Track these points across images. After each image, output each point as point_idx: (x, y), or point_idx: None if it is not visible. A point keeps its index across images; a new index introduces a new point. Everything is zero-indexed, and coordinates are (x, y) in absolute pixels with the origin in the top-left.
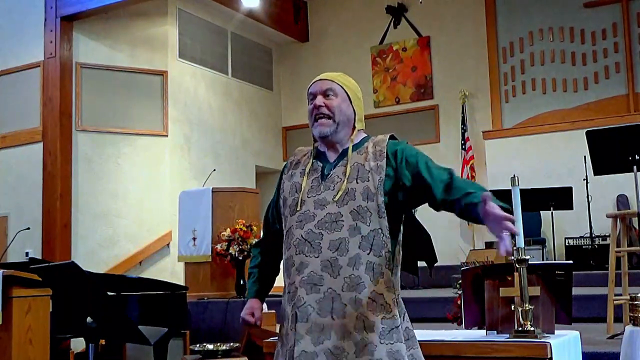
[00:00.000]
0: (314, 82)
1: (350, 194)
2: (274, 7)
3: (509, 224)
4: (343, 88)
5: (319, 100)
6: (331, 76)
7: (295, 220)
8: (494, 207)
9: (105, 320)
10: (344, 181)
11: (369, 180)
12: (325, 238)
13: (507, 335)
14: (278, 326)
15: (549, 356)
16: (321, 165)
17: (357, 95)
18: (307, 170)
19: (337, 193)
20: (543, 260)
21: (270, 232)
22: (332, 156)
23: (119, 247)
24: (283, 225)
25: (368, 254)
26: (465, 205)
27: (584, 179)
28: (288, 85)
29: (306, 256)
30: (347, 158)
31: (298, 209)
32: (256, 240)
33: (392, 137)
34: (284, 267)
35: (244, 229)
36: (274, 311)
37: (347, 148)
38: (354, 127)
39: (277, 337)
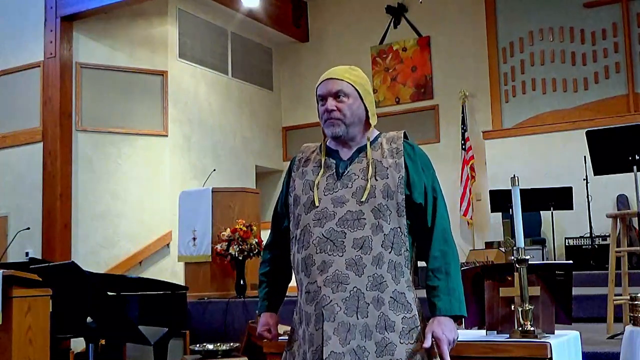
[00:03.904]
0: (323, 81)
1: (370, 192)
2: (274, 7)
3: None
4: (353, 86)
5: (330, 104)
6: (339, 74)
7: (312, 218)
8: (441, 344)
9: (105, 320)
10: (364, 178)
11: (388, 178)
12: (349, 236)
13: (507, 335)
14: (279, 327)
15: (549, 356)
16: (334, 162)
17: (367, 90)
18: (320, 167)
19: (364, 193)
20: (543, 260)
21: (280, 230)
22: (345, 153)
23: (119, 247)
24: (292, 223)
25: (390, 252)
26: (428, 287)
27: (584, 179)
28: (288, 85)
29: (329, 255)
30: (367, 156)
31: (314, 207)
32: (257, 241)
33: (405, 136)
34: (300, 266)
35: (244, 229)
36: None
37: (364, 145)
38: (368, 124)
39: (286, 337)
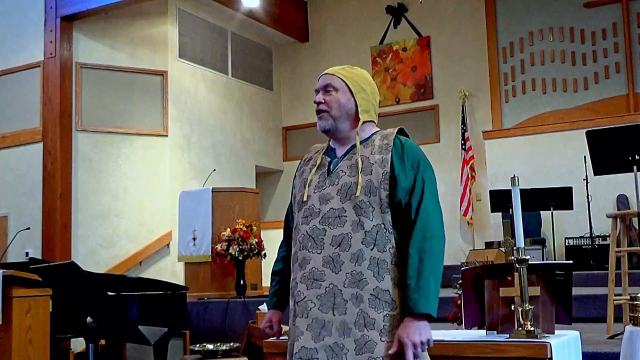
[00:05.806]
0: (319, 77)
1: (352, 188)
2: (274, 7)
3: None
4: (344, 81)
5: (319, 96)
6: (333, 70)
7: (302, 216)
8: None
9: (105, 320)
10: (350, 175)
11: (371, 174)
12: (328, 234)
13: (507, 335)
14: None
15: (549, 356)
16: (329, 160)
17: (360, 86)
18: (316, 165)
19: (347, 191)
20: (543, 260)
21: (289, 228)
22: (340, 151)
23: (119, 247)
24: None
25: (371, 249)
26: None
27: (584, 179)
28: (288, 85)
29: (309, 252)
30: (357, 152)
31: (304, 204)
32: (257, 241)
33: (401, 132)
34: (291, 263)
35: (244, 229)
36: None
37: (356, 143)
38: (358, 119)
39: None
